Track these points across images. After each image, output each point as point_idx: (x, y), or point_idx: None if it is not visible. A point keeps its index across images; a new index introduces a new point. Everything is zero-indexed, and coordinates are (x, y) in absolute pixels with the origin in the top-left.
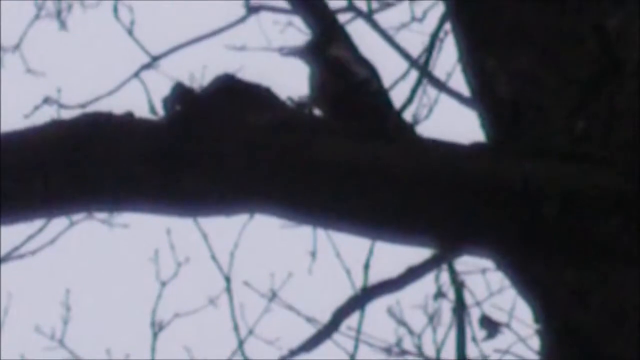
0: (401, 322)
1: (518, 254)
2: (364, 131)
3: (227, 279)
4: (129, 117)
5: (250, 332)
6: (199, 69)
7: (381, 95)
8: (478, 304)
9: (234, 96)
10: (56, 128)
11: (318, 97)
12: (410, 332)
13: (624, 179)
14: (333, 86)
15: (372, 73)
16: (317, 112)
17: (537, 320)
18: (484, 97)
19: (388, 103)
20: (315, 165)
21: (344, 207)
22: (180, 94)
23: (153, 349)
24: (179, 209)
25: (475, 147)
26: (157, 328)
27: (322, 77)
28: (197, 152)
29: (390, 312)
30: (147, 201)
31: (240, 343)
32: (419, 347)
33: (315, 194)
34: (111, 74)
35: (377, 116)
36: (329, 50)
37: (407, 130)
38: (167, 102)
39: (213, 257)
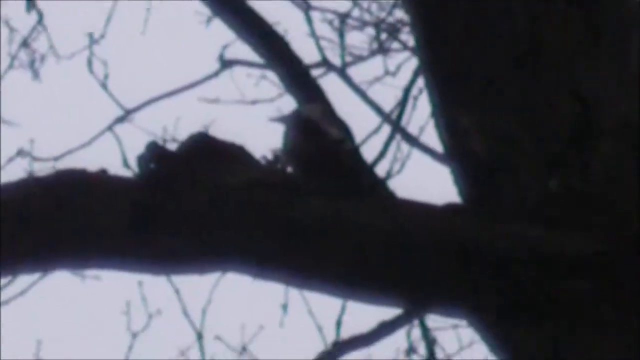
0: None
1: (489, 314)
2: (338, 190)
3: (199, 335)
4: (102, 174)
5: None
6: (173, 121)
7: (354, 154)
8: (449, 358)
9: (208, 155)
10: (32, 185)
11: (291, 157)
12: None
13: (593, 244)
14: (306, 147)
15: (345, 132)
16: (290, 171)
17: None
18: (458, 154)
19: (362, 162)
20: (291, 225)
21: (318, 267)
22: (155, 152)
23: None
24: (153, 267)
25: (449, 208)
26: None
27: (295, 138)
28: (171, 211)
29: None
30: (121, 259)
31: None
32: None
33: (290, 254)
34: (85, 126)
35: (351, 175)
36: (302, 111)
37: (381, 189)
38: (142, 160)
39: (185, 313)
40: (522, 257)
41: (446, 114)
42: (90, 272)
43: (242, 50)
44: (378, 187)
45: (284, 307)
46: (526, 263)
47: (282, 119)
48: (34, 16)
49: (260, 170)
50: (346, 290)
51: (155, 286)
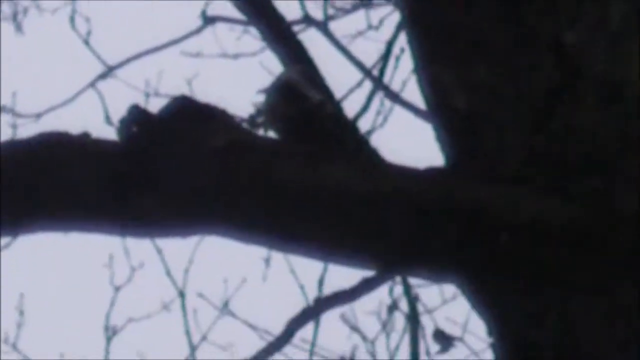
0: (355, 329)
1: (473, 278)
2: (320, 154)
3: (182, 294)
4: (85, 138)
5: (204, 337)
6: (155, 76)
7: (336, 116)
8: (430, 312)
9: (190, 118)
10: (12, 148)
11: (273, 120)
12: (364, 338)
13: (578, 209)
14: (286, 110)
15: (327, 95)
16: (273, 135)
17: (490, 334)
18: (440, 110)
19: (344, 123)
20: (271, 189)
21: (298, 231)
22: (137, 116)
23: (107, 353)
24: (135, 231)
25: (431, 171)
26: (110, 332)
27: (275, 102)
28: (153, 175)
29: (343, 318)
30: (102, 222)
31: (193, 349)
32: (373, 354)
33: (273, 217)
34: (67, 81)
35: (334, 138)
36: (282, 74)
37: (366, 152)
38: (123, 123)
39: (168, 273)
40: (503, 220)
41: (428, 70)
42: None
43: (225, 6)
44: (361, 149)
45: (267, 261)
46: (507, 226)
47: (267, 90)
48: None
49: (241, 132)
50: (326, 254)
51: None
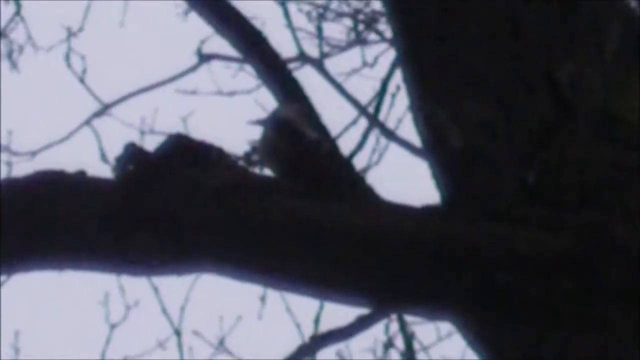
0: None
1: (470, 316)
2: (316, 192)
3: (178, 333)
4: (81, 176)
5: None
6: (151, 113)
7: (332, 155)
8: (426, 349)
9: (186, 156)
10: (9, 187)
11: (269, 158)
12: None
13: (573, 243)
14: (282, 148)
15: (324, 133)
16: (268, 172)
17: None
18: (435, 147)
19: (339, 162)
20: (268, 227)
21: (296, 269)
22: (133, 154)
23: None
24: (130, 269)
25: (427, 210)
26: None
27: (272, 139)
28: (149, 213)
29: (339, 355)
30: (98, 261)
31: None
32: None
33: (268, 256)
34: (63, 119)
35: (330, 177)
36: (279, 111)
37: (362, 190)
38: (120, 161)
39: (164, 311)
40: (499, 258)
41: (423, 107)
42: None
43: (220, 44)
44: (356, 187)
45: (263, 299)
46: (503, 264)
47: (261, 122)
48: (12, 7)
49: (238, 171)
50: (323, 292)
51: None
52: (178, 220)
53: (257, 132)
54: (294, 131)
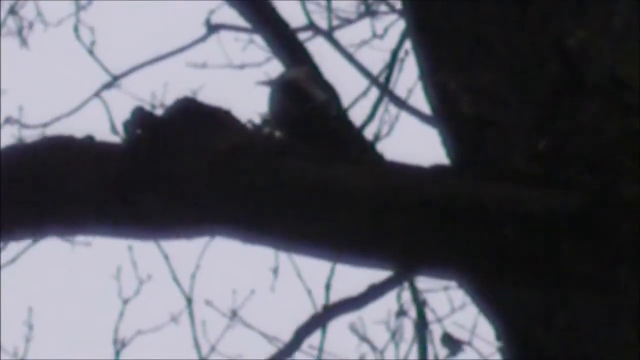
0: (364, 339)
1: (479, 275)
2: (324, 153)
3: (189, 301)
4: (89, 141)
5: (213, 349)
6: (161, 87)
7: (341, 117)
8: (439, 320)
9: (194, 119)
10: (18, 152)
11: (277, 120)
12: (373, 348)
13: (583, 201)
14: (290, 110)
15: (331, 95)
16: (277, 135)
17: (498, 338)
18: (446, 115)
19: (348, 125)
20: (276, 188)
21: (306, 230)
22: (141, 118)
23: None
24: (140, 233)
25: (436, 170)
26: (119, 345)
27: (280, 101)
28: (157, 176)
29: (352, 328)
30: (107, 225)
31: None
32: None
33: (277, 217)
34: (73, 92)
35: (337, 138)
36: (287, 74)
37: (369, 151)
38: (128, 125)
39: (175, 279)
40: (507, 216)
41: (434, 76)
42: (80, 239)
43: (229, 14)
44: (365, 150)
45: (275, 271)
46: (512, 221)
47: (268, 83)
48: None
49: (246, 134)
50: (334, 253)
51: (145, 251)
52: (187, 183)
53: (266, 105)
54: (302, 93)
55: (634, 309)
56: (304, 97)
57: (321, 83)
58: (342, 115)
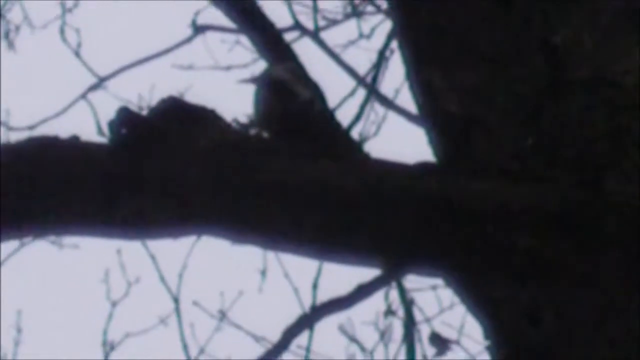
0: (352, 339)
1: (466, 273)
2: (309, 151)
3: (176, 301)
4: (74, 141)
5: (202, 350)
6: (147, 89)
7: (326, 115)
8: (428, 320)
9: (179, 119)
10: (2, 153)
11: (262, 118)
12: (362, 348)
13: (567, 197)
14: (275, 107)
15: (316, 93)
16: (262, 133)
17: (487, 337)
18: (432, 114)
19: (333, 122)
20: (262, 187)
21: (292, 228)
22: (126, 118)
23: None
24: (125, 233)
25: (422, 167)
26: (108, 348)
27: (264, 99)
28: (142, 176)
29: (341, 329)
30: (93, 225)
31: None
32: None
33: (263, 215)
34: (59, 95)
35: (322, 136)
36: (271, 71)
37: (354, 149)
38: (113, 125)
39: (162, 279)
40: (492, 213)
41: (420, 74)
42: (68, 241)
43: (215, 15)
44: (351, 148)
45: (263, 272)
46: (496, 218)
47: (252, 80)
48: None
49: (231, 132)
50: (321, 251)
51: (133, 253)
52: (172, 181)
53: (247, 85)
54: (287, 90)
55: (621, 307)
56: (287, 94)
57: (305, 79)
58: (326, 111)
